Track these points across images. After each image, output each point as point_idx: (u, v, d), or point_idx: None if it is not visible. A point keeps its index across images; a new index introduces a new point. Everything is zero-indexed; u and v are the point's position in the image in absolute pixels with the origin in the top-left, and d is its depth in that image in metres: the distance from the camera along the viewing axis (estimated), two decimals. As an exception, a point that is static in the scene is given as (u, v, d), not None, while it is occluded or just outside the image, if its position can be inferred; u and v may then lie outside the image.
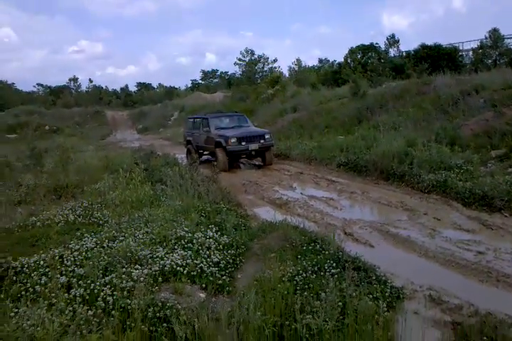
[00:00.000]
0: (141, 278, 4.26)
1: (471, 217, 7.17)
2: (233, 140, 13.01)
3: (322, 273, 4.70)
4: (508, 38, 31.13)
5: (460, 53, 30.98)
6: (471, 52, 31.95)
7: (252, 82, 45.47)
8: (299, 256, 5.26)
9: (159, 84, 76.26)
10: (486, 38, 31.28)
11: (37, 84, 70.97)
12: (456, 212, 7.51)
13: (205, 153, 15.05)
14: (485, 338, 3.55)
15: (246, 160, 14.80)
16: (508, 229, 6.52)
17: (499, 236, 6.34)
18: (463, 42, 33.23)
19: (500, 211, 7.18)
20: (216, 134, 13.74)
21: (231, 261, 5.38)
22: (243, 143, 13.09)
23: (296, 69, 51.13)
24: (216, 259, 5.21)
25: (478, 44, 31.57)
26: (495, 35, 30.78)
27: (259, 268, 5.17)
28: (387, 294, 4.32)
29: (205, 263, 5.05)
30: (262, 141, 13.32)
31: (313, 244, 5.66)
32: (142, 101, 60.20)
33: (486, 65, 28.46)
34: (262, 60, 52.06)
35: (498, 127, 10.27)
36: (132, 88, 75.01)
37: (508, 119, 10.33)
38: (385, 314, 3.81)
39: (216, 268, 5.01)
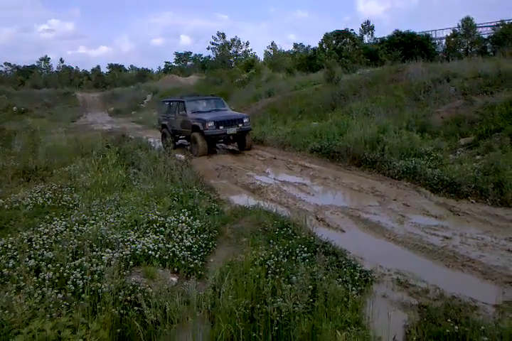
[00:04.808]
0: (112, 262, 4.22)
1: (438, 203, 7.33)
2: (211, 124, 12.66)
3: (293, 258, 4.78)
4: (480, 27, 31.58)
5: (433, 41, 31.27)
6: (443, 41, 32.28)
7: (226, 65, 45.03)
8: (271, 241, 5.31)
9: (131, 65, 74.74)
10: (458, 27, 31.65)
11: (4, 63, 68.48)
12: (424, 198, 7.66)
13: (180, 137, 14.75)
14: (449, 320, 3.66)
15: (221, 144, 14.69)
16: (474, 215, 6.70)
17: (465, 222, 6.51)
18: (436, 30, 33.56)
19: (467, 197, 7.36)
20: (193, 118, 13.39)
21: (203, 245, 5.41)
22: (221, 127, 12.79)
23: (272, 53, 50.85)
24: (188, 243, 5.22)
25: (451, 32, 31.92)
26: (467, 23, 31.16)
27: (231, 252, 5.21)
28: (356, 278, 4.43)
29: (177, 247, 5.05)
30: (240, 125, 13.09)
31: (285, 229, 5.73)
32: (114, 83, 59.02)
33: (458, 53, 28.82)
34: (235, 43, 51.49)
35: (468, 115, 10.44)
36: (104, 69, 73.30)
37: (477, 107, 10.52)
38: (353, 297, 3.91)
39: (188, 252, 5.02)
